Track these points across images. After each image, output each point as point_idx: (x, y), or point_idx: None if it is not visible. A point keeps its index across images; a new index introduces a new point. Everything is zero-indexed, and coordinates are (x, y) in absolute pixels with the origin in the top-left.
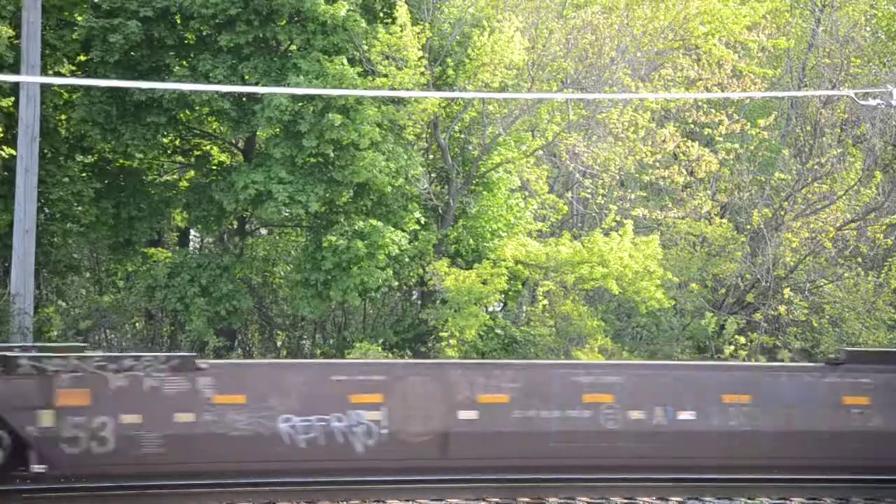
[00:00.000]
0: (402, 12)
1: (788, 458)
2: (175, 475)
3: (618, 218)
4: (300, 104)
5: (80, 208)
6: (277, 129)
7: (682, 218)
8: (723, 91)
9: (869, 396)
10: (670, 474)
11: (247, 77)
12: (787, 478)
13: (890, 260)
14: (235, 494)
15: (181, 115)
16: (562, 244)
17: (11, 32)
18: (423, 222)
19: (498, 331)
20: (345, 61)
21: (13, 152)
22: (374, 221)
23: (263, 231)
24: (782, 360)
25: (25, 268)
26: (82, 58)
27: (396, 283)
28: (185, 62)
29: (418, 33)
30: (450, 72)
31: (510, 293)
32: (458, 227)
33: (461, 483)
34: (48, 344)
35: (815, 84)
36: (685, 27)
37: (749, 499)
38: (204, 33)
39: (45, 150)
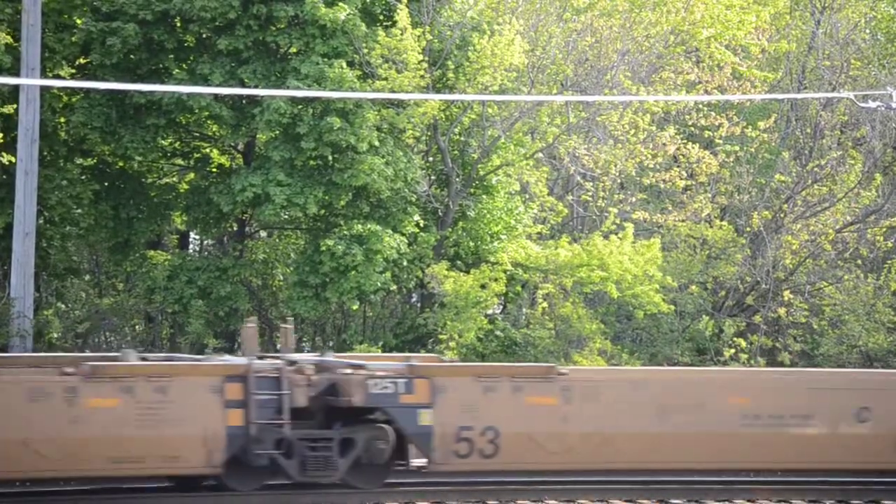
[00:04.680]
0: (402, 15)
1: None
2: None
3: (618, 221)
4: (299, 107)
5: (79, 211)
6: (276, 132)
7: (683, 221)
8: (723, 94)
9: None
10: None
11: (246, 81)
12: (788, 479)
13: (890, 262)
14: None
15: (181, 117)
16: (561, 247)
17: (9, 39)
18: (422, 225)
19: (498, 333)
20: (344, 65)
21: (12, 159)
22: (372, 225)
23: (263, 234)
24: (782, 363)
25: (25, 271)
26: (82, 61)
27: (395, 287)
28: (184, 65)
29: (418, 36)
30: (450, 74)
31: (510, 296)
32: (458, 230)
33: None
34: None
35: (815, 86)
36: (688, 31)
37: (749, 501)
38: (203, 36)
39: (45, 153)
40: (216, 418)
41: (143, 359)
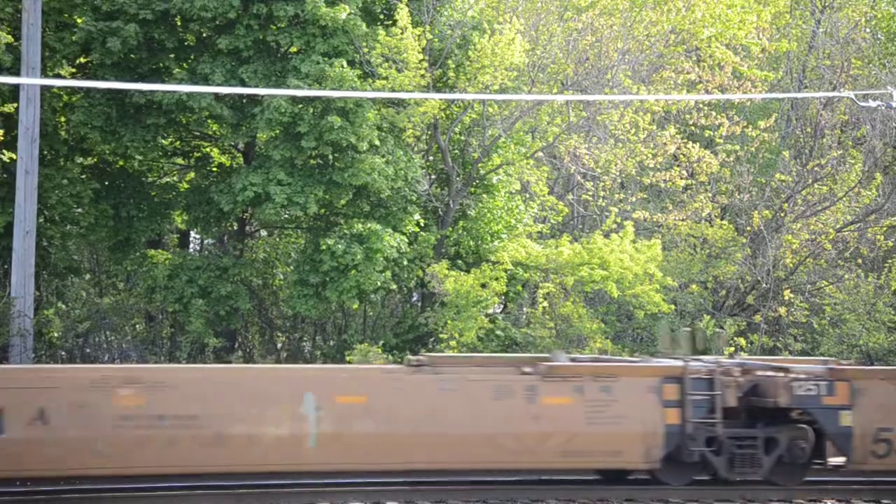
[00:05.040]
0: (402, 14)
1: None
2: None
3: (618, 220)
4: (300, 106)
5: (79, 210)
6: (276, 132)
7: (683, 220)
8: (723, 93)
9: None
10: None
11: (247, 80)
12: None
13: (890, 261)
14: None
15: (181, 117)
16: (562, 245)
17: (9, 39)
18: (422, 224)
19: (498, 332)
20: (344, 64)
21: (13, 156)
22: (372, 225)
23: (263, 233)
24: None
25: (25, 269)
26: (82, 60)
27: (395, 286)
28: (184, 65)
29: (419, 36)
30: (450, 74)
31: (510, 295)
32: (458, 229)
33: None
34: None
35: (816, 86)
36: (689, 30)
37: (750, 501)
38: (204, 35)
39: (45, 153)
40: (655, 417)
41: (573, 359)
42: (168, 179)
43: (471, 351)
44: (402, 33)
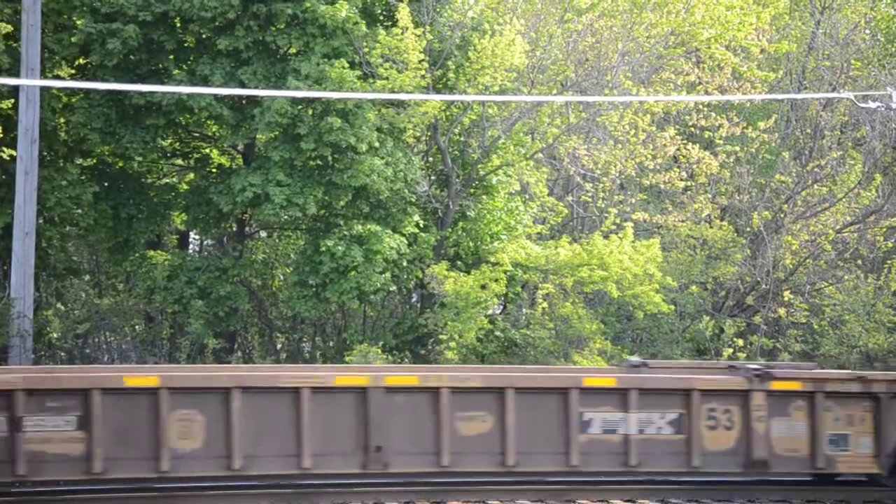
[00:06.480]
0: (403, 14)
1: None
2: None
3: (618, 221)
4: (299, 108)
5: (79, 211)
6: (276, 133)
7: (683, 221)
8: (723, 94)
9: None
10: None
11: (246, 82)
12: (788, 480)
13: (890, 262)
14: None
15: (181, 118)
16: (561, 246)
17: (10, 28)
18: (422, 225)
19: (498, 333)
20: (345, 64)
21: (13, 153)
22: (372, 226)
23: (263, 234)
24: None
25: (25, 270)
26: (81, 61)
27: (395, 287)
28: (184, 66)
29: (419, 36)
30: (450, 75)
31: (510, 296)
32: (458, 230)
33: None
34: None
35: (815, 87)
36: (689, 32)
37: (749, 501)
38: (203, 36)
39: (44, 154)
40: None
41: None
42: (167, 180)
43: (470, 352)
44: (402, 33)
